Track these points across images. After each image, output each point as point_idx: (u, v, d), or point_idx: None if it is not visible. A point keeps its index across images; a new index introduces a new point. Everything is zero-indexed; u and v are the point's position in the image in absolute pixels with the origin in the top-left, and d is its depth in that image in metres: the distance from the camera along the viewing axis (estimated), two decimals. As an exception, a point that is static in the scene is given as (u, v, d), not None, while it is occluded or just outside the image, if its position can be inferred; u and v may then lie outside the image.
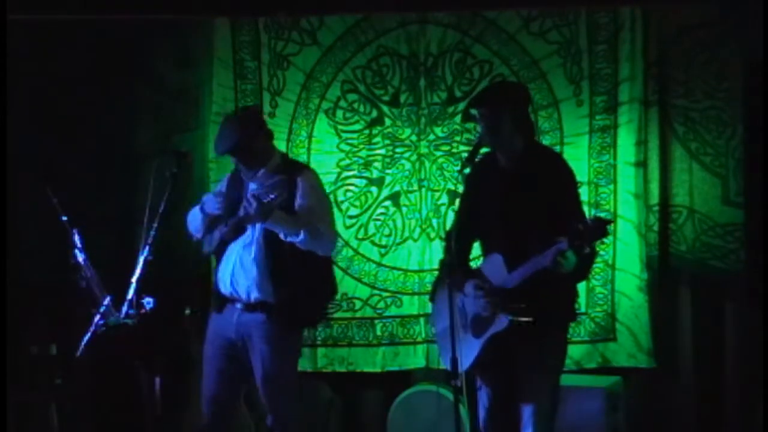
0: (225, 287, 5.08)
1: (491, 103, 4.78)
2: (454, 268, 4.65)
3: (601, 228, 4.46)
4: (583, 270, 4.68)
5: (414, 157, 6.41)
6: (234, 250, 5.06)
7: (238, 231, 5.04)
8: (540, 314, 4.62)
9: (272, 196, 4.79)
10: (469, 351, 4.76)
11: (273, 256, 4.99)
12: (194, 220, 5.19)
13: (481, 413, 4.90)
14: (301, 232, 4.93)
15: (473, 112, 4.96)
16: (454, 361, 4.60)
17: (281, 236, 4.94)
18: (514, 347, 4.70)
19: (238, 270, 5.03)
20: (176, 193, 5.08)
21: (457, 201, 4.78)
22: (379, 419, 6.38)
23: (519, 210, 4.69)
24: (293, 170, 5.08)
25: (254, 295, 5.01)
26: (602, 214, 6.19)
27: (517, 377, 4.76)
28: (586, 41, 6.25)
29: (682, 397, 6.26)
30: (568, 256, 4.49)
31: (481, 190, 4.80)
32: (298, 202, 4.99)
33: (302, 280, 5.03)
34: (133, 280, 4.78)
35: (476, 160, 4.77)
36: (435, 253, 6.30)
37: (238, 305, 5.06)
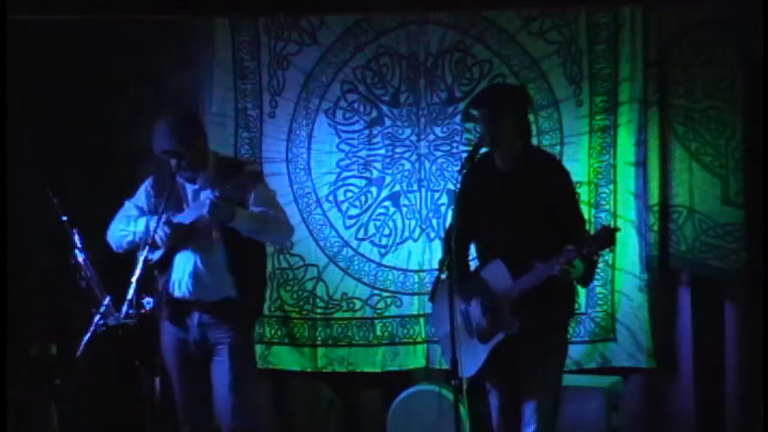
0: (182, 291, 5.01)
1: (492, 105, 4.78)
2: (454, 268, 4.66)
3: (609, 237, 4.54)
4: (589, 276, 4.71)
5: (414, 157, 6.41)
6: (190, 253, 5.00)
7: (195, 234, 4.99)
8: (542, 314, 4.64)
9: (238, 196, 4.79)
10: (476, 356, 4.77)
11: (234, 253, 4.98)
12: (130, 225, 5.10)
13: (493, 413, 4.93)
14: (268, 226, 4.97)
15: (473, 112, 4.97)
16: (454, 362, 4.61)
17: (244, 233, 4.93)
18: (519, 348, 4.72)
19: (200, 272, 4.98)
20: (176, 193, 5.07)
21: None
22: (379, 419, 6.38)
23: (517, 212, 4.70)
24: (235, 166, 5.07)
25: (220, 294, 4.98)
26: (602, 215, 6.20)
27: (521, 377, 4.78)
28: (586, 41, 6.25)
29: (682, 397, 6.26)
30: (576, 264, 4.52)
31: (479, 192, 4.80)
32: (252, 198, 4.98)
33: (255, 272, 5.10)
34: (133, 280, 4.77)
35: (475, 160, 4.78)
36: (435, 253, 6.30)
37: (197, 307, 5.01)
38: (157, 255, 5.03)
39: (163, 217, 4.92)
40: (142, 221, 5.05)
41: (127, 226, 5.12)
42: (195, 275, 4.99)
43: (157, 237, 4.90)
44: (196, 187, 5.05)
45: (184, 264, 5.01)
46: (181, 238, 4.95)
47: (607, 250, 4.76)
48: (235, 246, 4.97)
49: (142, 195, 5.19)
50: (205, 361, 5.07)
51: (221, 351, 5.02)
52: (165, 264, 5.04)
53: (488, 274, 4.78)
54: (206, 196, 4.90)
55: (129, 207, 5.19)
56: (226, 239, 4.97)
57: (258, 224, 4.96)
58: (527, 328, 4.66)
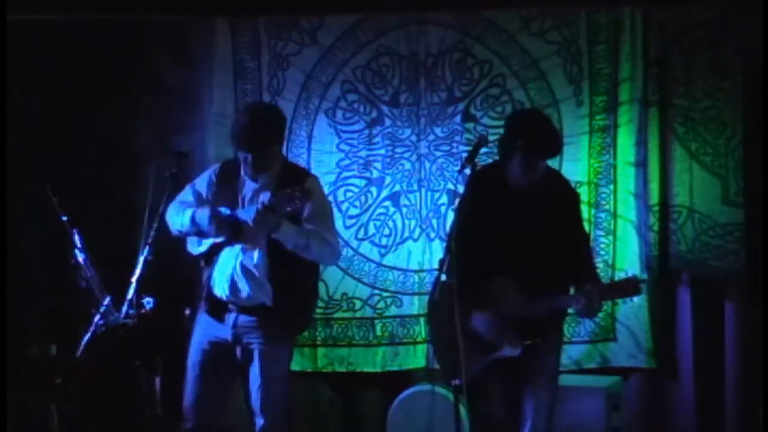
0: (222, 291, 5.02)
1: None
2: (455, 271, 4.65)
3: (633, 288, 4.71)
4: (599, 311, 4.84)
5: (414, 157, 6.41)
6: (232, 253, 5.00)
7: (240, 236, 4.97)
8: (542, 328, 4.69)
9: (289, 209, 4.75)
10: (471, 363, 4.78)
11: (275, 260, 4.95)
12: (179, 216, 5.08)
13: (492, 411, 4.96)
14: (312, 243, 4.94)
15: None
16: (455, 362, 4.60)
17: (288, 246, 4.90)
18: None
19: (238, 274, 4.97)
20: (176, 193, 5.07)
21: (457, 201, 4.80)
22: (379, 419, 6.38)
23: (528, 230, 4.72)
24: (297, 176, 5.02)
25: (256, 299, 4.97)
26: (602, 214, 6.21)
27: (519, 373, 4.81)
28: (586, 41, 6.25)
29: (682, 397, 6.26)
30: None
31: (490, 204, 4.81)
32: (306, 212, 4.95)
33: (299, 284, 5.04)
34: (133, 280, 4.77)
35: (482, 167, 4.79)
36: (435, 253, 6.30)
37: (235, 308, 5.01)
38: (204, 247, 5.04)
39: (209, 210, 4.91)
40: (189, 213, 5.02)
41: (177, 214, 5.08)
42: (232, 279, 4.98)
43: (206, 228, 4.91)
44: (256, 187, 5.03)
45: (225, 265, 5.00)
46: (230, 230, 4.92)
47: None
48: (280, 255, 4.93)
49: (204, 181, 5.16)
50: (230, 363, 5.06)
51: (254, 355, 5.01)
52: (210, 258, 5.04)
53: (495, 290, 4.79)
54: (263, 199, 4.87)
55: (187, 192, 5.16)
56: (272, 249, 4.94)
57: (303, 240, 4.92)
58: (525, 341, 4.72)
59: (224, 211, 4.93)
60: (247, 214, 4.87)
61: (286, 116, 5.23)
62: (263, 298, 4.97)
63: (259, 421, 5.05)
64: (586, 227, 5.82)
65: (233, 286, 4.98)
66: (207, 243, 5.04)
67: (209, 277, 5.06)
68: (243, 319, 5.00)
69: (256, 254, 4.97)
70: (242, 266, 4.97)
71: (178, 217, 5.06)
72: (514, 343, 4.72)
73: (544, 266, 4.67)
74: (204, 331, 5.09)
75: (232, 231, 4.92)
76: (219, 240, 4.99)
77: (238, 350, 5.06)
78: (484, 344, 4.80)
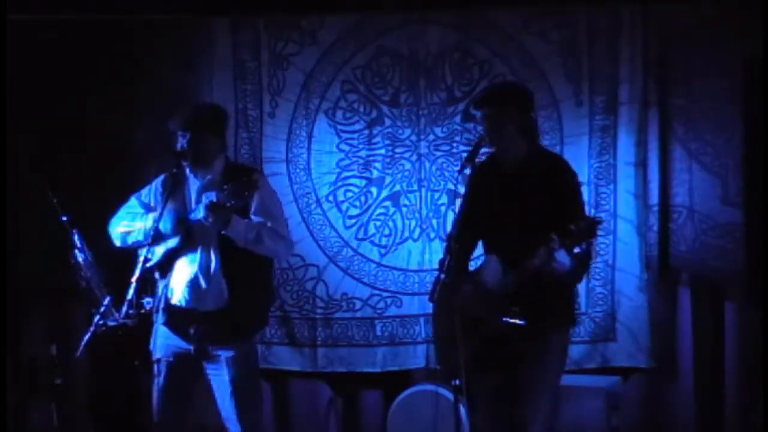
0: (181, 299, 4.96)
1: (493, 104, 4.75)
2: (454, 269, 4.64)
3: (590, 228, 4.46)
4: (578, 272, 4.67)
5: (414, 157, 6.41)
6: (189, 259, 4.95)
7: (192, 239, 4.94)
8: (538, 316, 4.62)
9: (233, 202, 4.72)
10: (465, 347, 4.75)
11: (234, 263, 4.91)
12: (131, 230, 5.07)
13: (481, 414, 4.91)
14: (264, 236, 4.91)
15: (476, 112, 4.93)
16: (457, 362, 4.58)
17: (240, 242, 4.87)
18: (514, 348, 4.71)
19: (199, 280, 4.93)
20: (176, 193, 5.07)
21: (458, 201, 4.77)
22: (379, 419, 6.38)
23: (519, 214, 4.68)
24: (242, 172, 4.98)
25: (217, 304, 4.92)
26: (602, 215, 6.20)
27: (516, 378, 4.76)
28: (586, 41, 6.25)
29: (682, 397, 6.26)
30: (561, 258, 4.49)
31: (482, 192, 4.79)
32: (255, 207, 4.93)
33: (257, 285, 5.01)
34: (133, 280, 4.77)
35: (477, 161, 4.76)
36: (435, 253, 6.30)
37: (195, 317, 4.94)
38: (157, 257, 5.00)
39: (164, 212, 4.88)
40: (150, 217, 5.00)
41: (132, 222, 5.08)
42: (193, 284, 4.94)
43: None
44: (199, 186, 5.02)
45: (183, 271, 4.97)
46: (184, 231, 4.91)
47: (592, 242, 4.72)
48: (233, 254, 4.90)
49: (151, 192, 5.14)
50: (197, 370, 5.02)
51: (219, 361, 4.97)
52: (165, 268, 5.00)
53: (483, 270, 4.77)
54: (209, 199, 4.84)
55: (135, 204, 5.16)
56: (223, 247, 4.91)
57: (253, 234, 4.88)
58: (515, 326, 4.63)
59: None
60: (197, 213, 4.85)
61: (228, 114, 5.27)
62: (223, 300, 4.92)
63: (236, 429, 5.00)
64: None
65: (194, 292, 4.93)
66: (160, 252, 4.98)
67: (166, 286, 5.00)
68: (207, 326, 4.93)
69: (214, 257, 4.92)
70: (201, 270, 4.93)
71: (135, 222, 5.04)
72: (493, 322, 4.65)
73: (533, 246, 4.61)
74: (166, 342, 5.00)
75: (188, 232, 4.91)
76: (172, 247, 4.95)
77: (199, 359, 4.99)
78: (472, 325, 4.74)
